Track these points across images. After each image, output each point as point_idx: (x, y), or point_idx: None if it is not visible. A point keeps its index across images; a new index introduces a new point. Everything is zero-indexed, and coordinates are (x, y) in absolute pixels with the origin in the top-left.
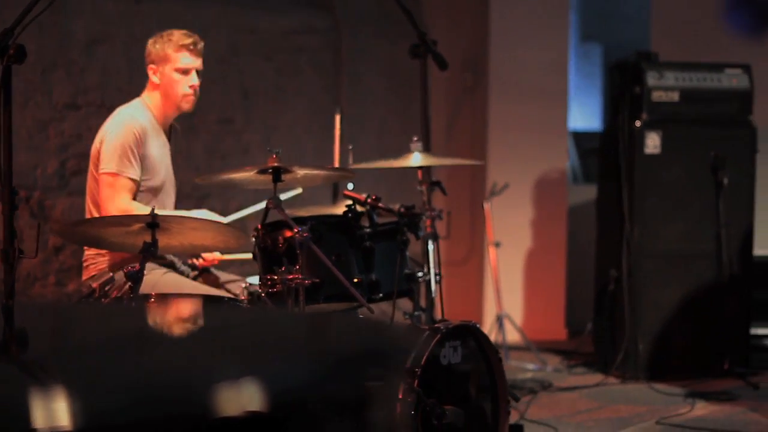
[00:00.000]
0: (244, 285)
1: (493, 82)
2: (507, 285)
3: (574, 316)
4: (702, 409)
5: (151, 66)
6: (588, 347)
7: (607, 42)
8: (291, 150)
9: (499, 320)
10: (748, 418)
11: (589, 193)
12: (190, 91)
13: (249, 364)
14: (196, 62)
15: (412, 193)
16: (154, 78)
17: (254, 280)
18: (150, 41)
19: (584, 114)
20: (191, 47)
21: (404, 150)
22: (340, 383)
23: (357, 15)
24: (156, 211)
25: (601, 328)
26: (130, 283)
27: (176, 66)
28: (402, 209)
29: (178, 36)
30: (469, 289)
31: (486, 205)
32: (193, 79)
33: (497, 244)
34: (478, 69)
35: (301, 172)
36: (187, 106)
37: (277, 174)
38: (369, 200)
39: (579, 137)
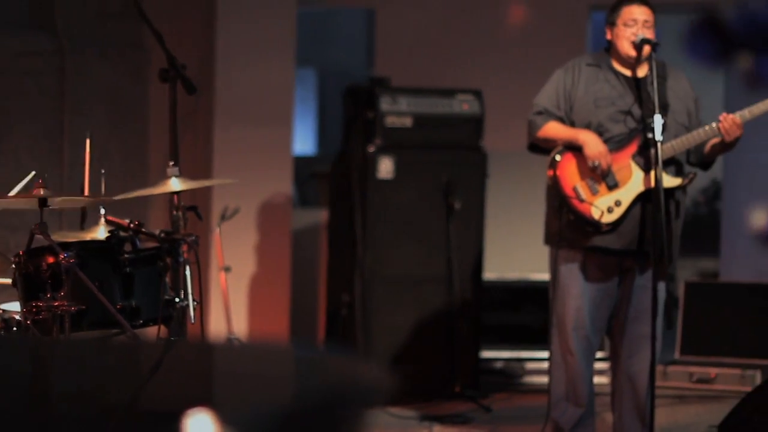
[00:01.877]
0: None
1: (218, 105)
2: (233, 309)
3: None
4: None
5: None
6: None
7: (321, 67)
8: (14, 175)
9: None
10: None
11: (307, 217)
12: None
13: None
14: None
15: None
16: None
17: (9, 306)
18: None
19: (298, 139)
20: None
21: (129, 174)
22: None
23: (81, 38)
24: None
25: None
26: None
27: None
28: (163, 234)
29: None
30: None
31: (216, 230)
32: None
33: (227, 269)
34: (202, 91)
35: (60, 198)
36: None
37: (43, 200)
38: (132, 225)
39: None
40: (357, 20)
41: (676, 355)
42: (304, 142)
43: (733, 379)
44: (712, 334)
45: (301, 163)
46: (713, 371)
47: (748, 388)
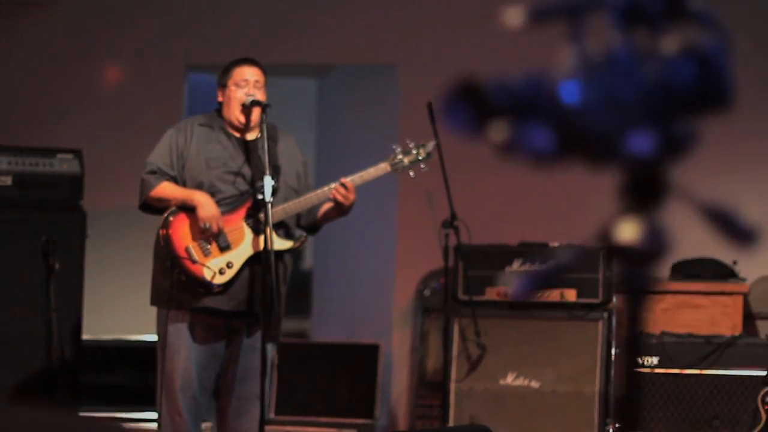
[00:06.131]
0: None
1: None
2: None
3: None
4: None
5: None
6: None
7: None
8: None
9: None
10: None
11: None
12: None
13: None
14: None
15: None
16: None
17: None
18: None
19: None
20: None
21: None
22: None
23: None
24: None
25: None
26: None
27: None
28: None
29: None
30: None
31: None
32: None
33: None
34: None
35: None
36: None
37: None
38: None
39: None
40: None
41: (272, 415)
42: None
43: None
44: (306, 394)
45: None
46: (309, 431)
47: None
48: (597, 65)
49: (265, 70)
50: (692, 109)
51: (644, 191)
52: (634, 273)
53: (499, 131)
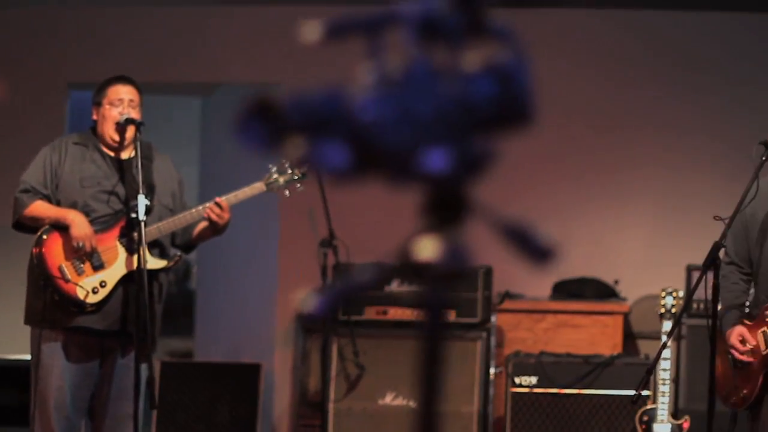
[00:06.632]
0: None
1: None
2: None
3: None
4: None
5: None
6: None
7: None
8: None
9: None
10: None
11: None
12: None
13: None
14: None
15: None
16: None
17: None
18: None
19: None
20: None
21: None
22: None
23: None
24: None
25: None
26: None
27: None
28: None
29: None
30: None
31: None
32: None
33: None
34: None
35: None
36: None
37: None
38: None
39: None
40: None
41: None
42: None
43: None
44: (188, 413)
45: None
46: None
47: None
48: (394, 81)
49: (140, 89)
50: (492, 126)
51: (443, 208)
52: (433, 290)
53: (294, 147)
